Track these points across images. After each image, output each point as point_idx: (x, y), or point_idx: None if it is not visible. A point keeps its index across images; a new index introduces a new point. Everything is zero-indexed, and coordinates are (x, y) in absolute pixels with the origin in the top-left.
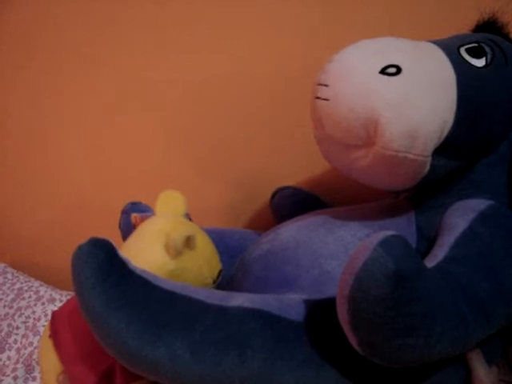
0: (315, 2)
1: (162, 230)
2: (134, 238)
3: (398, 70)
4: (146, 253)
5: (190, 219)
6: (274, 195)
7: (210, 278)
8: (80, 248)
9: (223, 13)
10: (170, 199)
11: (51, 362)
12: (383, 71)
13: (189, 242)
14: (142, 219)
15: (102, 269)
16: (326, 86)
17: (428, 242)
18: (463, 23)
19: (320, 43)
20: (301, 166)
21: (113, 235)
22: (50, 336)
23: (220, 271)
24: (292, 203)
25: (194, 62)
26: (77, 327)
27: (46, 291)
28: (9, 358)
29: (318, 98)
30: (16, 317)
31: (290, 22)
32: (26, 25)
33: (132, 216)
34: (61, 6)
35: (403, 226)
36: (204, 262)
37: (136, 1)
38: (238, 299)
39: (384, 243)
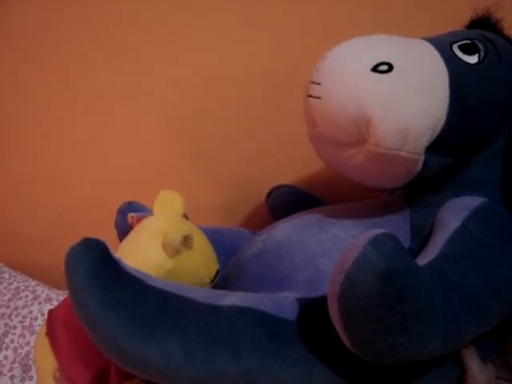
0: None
1: (160, 229)
2: (131, 237)
3: (390, 68)
4: (144, 252)
5: (188, 219)
6: (269, 194)
7: (208, 277)
8: (73, 248)
9: (219, 12)
10: (168, 199)
11: (47, 359)
12: (375, 69)
13: (186, 242)
14: (139, 219)
15: (95, 269)
16: (318, 84)
17: (422, 239)
18: (458, 20)
19: (315, 41)
20: (297, 165)
21: (110, 234)
22: (47, 334)
23: (217, 271)
24: (288, 202)
25: (191, 62)
26: (72, 326)
27: (42, 291)
28: (5, 358)
29: (310, 96)
30: (13, 316)
31: (284, 20)
32: (26, 25)
33: (128, 216)
34: (60, 4)
35: (398, 224)
36: (201, 262)
37: (133, 1)
38: (231, 298)
39: (374, 241)
